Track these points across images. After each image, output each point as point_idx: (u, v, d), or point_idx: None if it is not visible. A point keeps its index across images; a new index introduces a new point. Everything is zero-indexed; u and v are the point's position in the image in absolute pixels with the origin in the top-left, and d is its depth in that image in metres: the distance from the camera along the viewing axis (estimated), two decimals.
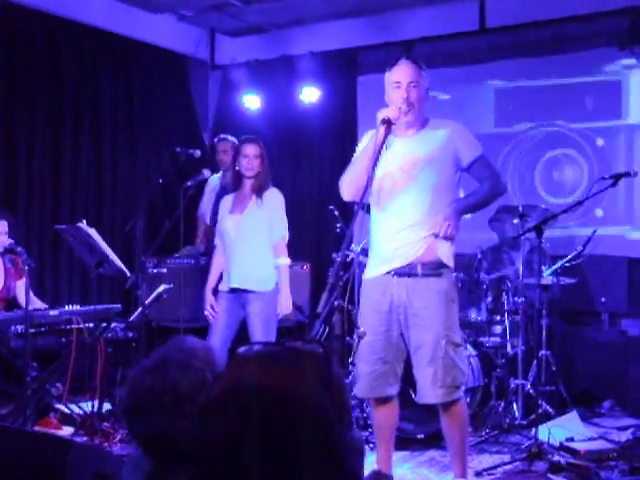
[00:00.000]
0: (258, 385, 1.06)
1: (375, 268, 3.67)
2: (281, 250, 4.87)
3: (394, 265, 3.57)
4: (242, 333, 4.95)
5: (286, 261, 4.88)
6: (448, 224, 3.51)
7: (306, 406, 1.04)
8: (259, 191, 4.85)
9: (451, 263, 3.62)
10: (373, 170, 3.38)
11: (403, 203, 3.57)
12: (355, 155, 3.71)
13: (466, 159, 3.61)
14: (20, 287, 5.31)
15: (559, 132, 6.52)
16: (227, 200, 4.99)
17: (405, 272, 3.56)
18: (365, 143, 3.62)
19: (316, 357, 1.11)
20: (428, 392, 3.56)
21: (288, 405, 1.04)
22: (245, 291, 4.82)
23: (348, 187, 3.62)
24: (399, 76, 3.58)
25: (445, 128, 3.63)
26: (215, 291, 4.95)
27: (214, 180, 6.28)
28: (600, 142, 6.35)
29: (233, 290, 4.84)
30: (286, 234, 4.92)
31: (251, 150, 4.85)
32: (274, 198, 4.90)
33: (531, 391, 5.13)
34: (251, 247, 4.82)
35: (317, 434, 1.04)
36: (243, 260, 4.81)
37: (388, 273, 3.58)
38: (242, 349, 1.15)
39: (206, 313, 4.93)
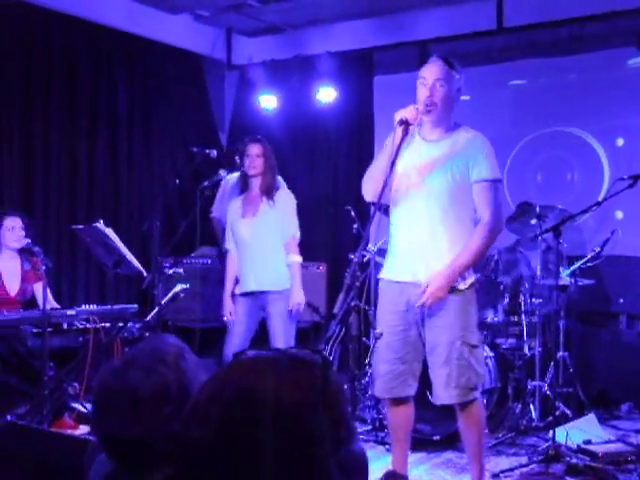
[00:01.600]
0: (241, 389, 1.03)
1: (391, 271, 3.66)
2: (292, 248, 4.91)
3: (408, 279, 3.56)
4: (262, 334, 4.97)
5: (298, 259, 4.92)
6: (432, 295, 3.45)
7: (290, 415, 1.00)
8: (268, 192, 4.88)
9: (469, 277, 3.56)
10: (390, 171, 3.37)
11: (415, 206, 3.55)
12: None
13: (472, 176, 3.52)
14: (38, 289, 5.32)
15: (576, 132, 6.47)
16: (236, 203, 5.00)
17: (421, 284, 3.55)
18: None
19: (313, 366, 1.07)
20: (442, 393, 3.55)
21: (269, 412, 1.00)
22: (262, 292, 4.84)
23: (368, 188, 3.61)
24: (426, 73, 3.54)
25: (467, 139, 3.56)
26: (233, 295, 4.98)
27: (233, 179, 6.26)
28: (620, 142, 6.30)
29: (250, 293, 4.87)
30: (297, 232, 4.95)
31: (254, 149, 4.89)
32: (286, 198, 4.96)
33: (548, 393, 5.10)
34: (267, 249, 4.85)
35: (301, 447, 1.00)
36: (259, 262, 4.84)
37: (406, 282, 3.56)
38: (247, 353, 1.12)
39: (226, 319, 4.96)
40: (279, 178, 5.34)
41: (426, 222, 3.52)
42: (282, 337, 4.78)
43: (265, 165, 4.89)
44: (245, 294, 4.89)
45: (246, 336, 4.88)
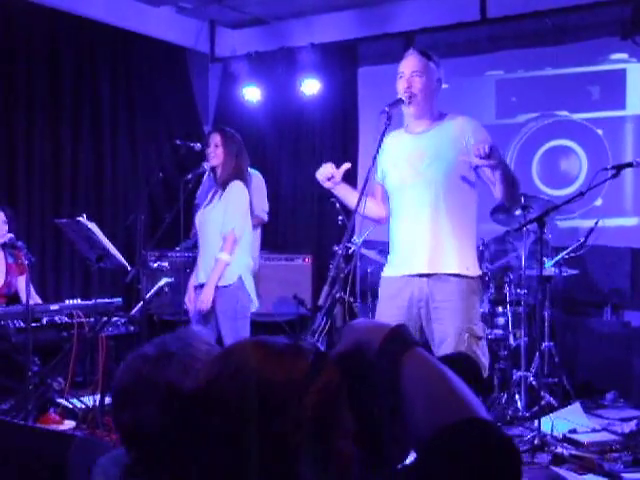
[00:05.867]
0: (230, 357, 1.09)
1: (392, 267, 3.64)
2: (226, 245, 4.57)
3: (412, 271, 3.53)
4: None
5: (225, 257, 4.55)
6: (484, 146, 3.27)
7: (265, 389, 1.04)
8: (223, 184, 4.69)
9: (473, 268, 3.54)
10: (372, 165, 3.38)
11: (412, 199, 3.54)
12: None
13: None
14: (22, 283, 5.29)
15: (558, 123, 6.50)
16: (209, 194, 4.85)
17: (425, 274, 3.52)
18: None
19: (307, 353, 1.08)
20: None
21: (248, 381, 1.05)
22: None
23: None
24: (403, 66, 3.56)
25: (457, 123, 3.56)
26: None
27: None
28: (600, 133, 6.33)
29: (200, 286, 4.66)
30: (235, 227, 4.59)
31: (212, 139, 4.75)
32: (234, 191, 4.66)
33: (534, 383, 5.12)
34: (212, 242, 4.65)
35: (266, 424, 1.03)
36: (206, 255, 4.67)
37: (410, 275, 3.54)
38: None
39: (185, 307, 4.82)
40: (258, 174, 5.27)
41: (425, 213, 3.50)
42: (229, 338, 4.45)
43: (224, 155, 4.72)
44: (198, 286, 4.70)
45: (209, 327, 4.55)
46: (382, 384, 1.05)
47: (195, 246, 5.25)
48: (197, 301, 4.60)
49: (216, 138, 4.75)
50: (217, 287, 4.57)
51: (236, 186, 4.67)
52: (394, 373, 1.03)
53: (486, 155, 3.25)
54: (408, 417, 1.03)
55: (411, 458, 1.03)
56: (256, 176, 5.46)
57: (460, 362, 1.22)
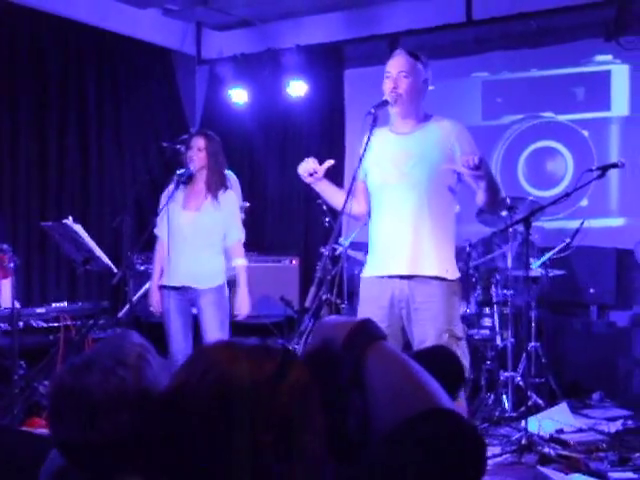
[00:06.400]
0: (199, 357, 1.10)
1: (373, 268, 3.63)
2: (238, 251, 4.79)
3: (392, 272, 3.53)
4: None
5: (244, 262, 4.80)
6: (473, 157, 3.30)
7: (230, 387, 1.04)
8: (213, 189, 4.73)
9: (452, 271, 3.56)
10: (358, 166, 3.39)
11: (394, 200, 3.54)
12: None
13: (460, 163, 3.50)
14: (5, 286, 5.24)
15: (544, 124, 6.53)
16: (179, 194, 4.79)
17: (406, 276, 3.52)
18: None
19: (275, 353, 1.09)
20: None
21: (212, 378, 1.05)
22: (193, 289, 4.68)
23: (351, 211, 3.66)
24: (390, 66, 3.56)
25: (443, 126, 3.56)
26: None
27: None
28: (585, 134, 6.36)
29: (179, 287, 4.70)
30: (242, 236, 4.83)
31: (196, 142, 4.75)
32: (232, 200, 4.80)
33: (521, 383, 5.14)
34: (204, 246, 4.70)
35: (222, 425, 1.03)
36: (195, 259, 4.67)
37: (390, 277, 3.54)
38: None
39: (152, 309, 4.82)
40: (232, 175, 5.26)
41: (407, 214, 3.50)
42: (216, 326, 4.60)
43: (208, 160, 4.74)
44: (174, 288, 4.72)
45: (186, 331, 4.72)
46: (347, 378, 1.06)
47: None
48: (216, 308, 4.66)
49: (199, 142, 4.76)
50: (214, 287, 4.67)
51: (232, 196, 4.83)
52: (358, 366, 1.04)
53: (475, 167, 3.27)
54: (373, 409, 1.04)
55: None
56: (231, 176, 5.46)
57: (438, 354, 1.23)
